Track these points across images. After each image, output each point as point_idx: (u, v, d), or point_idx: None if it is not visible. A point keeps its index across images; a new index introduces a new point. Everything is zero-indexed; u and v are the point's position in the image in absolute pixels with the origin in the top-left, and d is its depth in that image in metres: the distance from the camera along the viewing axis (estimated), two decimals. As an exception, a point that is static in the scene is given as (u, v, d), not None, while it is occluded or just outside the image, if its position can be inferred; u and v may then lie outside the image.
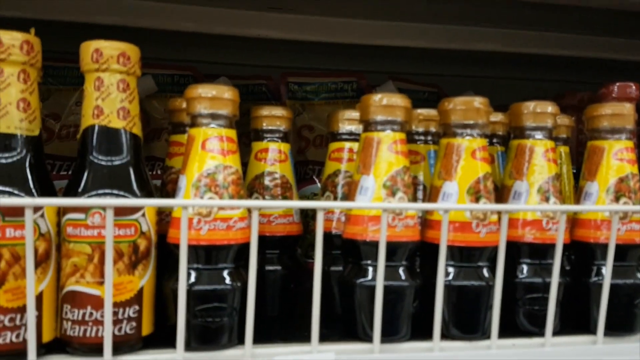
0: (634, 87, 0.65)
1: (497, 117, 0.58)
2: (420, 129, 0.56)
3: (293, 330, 0.52)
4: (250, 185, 0.54)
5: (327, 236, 0.56)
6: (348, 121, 0.56)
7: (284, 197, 0.54)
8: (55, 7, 0.68)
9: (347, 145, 0.56)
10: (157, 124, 0.70)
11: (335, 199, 0.56)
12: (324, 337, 0.47)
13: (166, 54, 0.77)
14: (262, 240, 0.53)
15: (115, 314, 0.42)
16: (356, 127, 0.56)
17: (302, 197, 0.75)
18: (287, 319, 0.55)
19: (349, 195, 0.49)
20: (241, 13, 0.74)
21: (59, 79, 0.71)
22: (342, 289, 0.49)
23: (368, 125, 0.48)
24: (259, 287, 0.54)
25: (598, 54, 0.83)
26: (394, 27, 0.78)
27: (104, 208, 0.40)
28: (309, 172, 0.82)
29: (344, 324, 0.49)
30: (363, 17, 0.77)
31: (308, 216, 0.75)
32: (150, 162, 0.67)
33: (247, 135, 0.58)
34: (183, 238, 0.41)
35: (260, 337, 0.47)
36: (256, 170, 0.54)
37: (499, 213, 0.48)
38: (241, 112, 0.57)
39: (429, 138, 0.57)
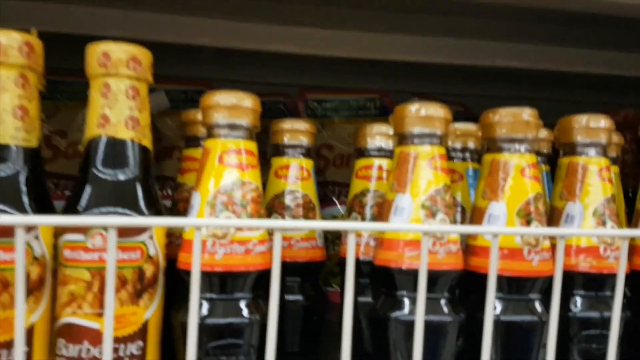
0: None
1: (541, 133, 0.53)
2: (457, 145, 0.51)
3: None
4: (270, 205, 0.49)
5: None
6: (377, 136, 0.51)
7: (306, 218, 0.49)
8: (66, 20, 0.64)
9: (377, 162, 0.51)
10: (169, 141, 0.66)
11: (363, 220, 0.50)
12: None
13: (179, 69, 0.73)
14: (282, 266, 0.48)
15: (116, 350, 0.36)
16: (386, 143, 0.51)
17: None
18: (309, 355, 0.49)
19: (380, 216, 0.44)
20: (258, 27, 0.69)
21: (67, 94, 0.67)
22: (373, 324, 0.43)
23: (403, 138, 0.43)
24: (279, 320, 0.49)
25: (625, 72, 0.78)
26: (418, 42, 0.74)
27: (105, 228, 0.35)
28: (328, 193, 0.77)
29: (376, 363, 0.44)
30: (385, 31, 0.73)
31: (328, 240, 0.70)
32: (161, 182, 0.62)
33: (262, 154, 0.53)
34: (195, 263, 0.35)
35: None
36: (276, 189, 0.49)
37: (551, 238, 0.42)
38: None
39: (467, 155, 0.52)
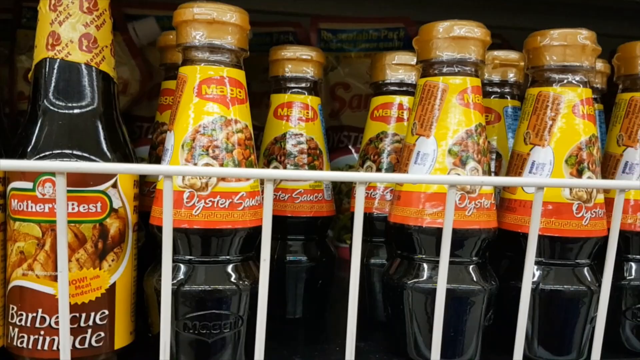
0: None
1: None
2: (495, 78, 0.43)
3: (321, 339, 0.40)
4: (268, 150, 0.42)
5: (367, 219, 0.43)
6: (398, 67, 0.43)
7: (312, 167, 0.42)
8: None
9: (397, 99, 0.43)
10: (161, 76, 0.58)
11: (379, 170, 0.43)
12: (361, 352, 0.35)
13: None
14: (283, 223, 0.41)
15: (75, 320, 0.30)
16: (408, 76, 0.43)
17: (335, 170, 0.63)
18: (313, 323, 0.43)
19: (399, 165, 0.37)
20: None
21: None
22: (388, 291, 0.37)
23: (429, 67, 0.35)
24: (279, 284, 0.42)
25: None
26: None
27: (54, 174, 0.28)
28: (343, 139, 0.69)
29: (389, 337, 0.37)
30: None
31: (342, 193, 0.62)
32: (147, 124, 0.55)
33: (268, 96, 0.45)
34: (167, 218, 0.28)
35: (278, 349, 0.35)
36: (276, 132, 0.41)
37: (606, 192, 0.34)
38: (263, 67, 0.45)
39: (506, 90, 0.43)
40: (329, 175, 0.36)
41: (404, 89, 0.43)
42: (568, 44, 0.34)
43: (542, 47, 0.35)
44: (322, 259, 0.43)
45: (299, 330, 0.41)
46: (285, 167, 0.41)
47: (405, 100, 0.43)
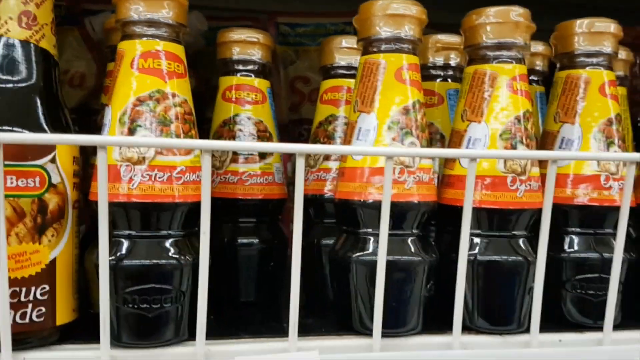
0: None
1: (537, 47, 0.46)
2: (438, 61, 0.44)
3: (273, 320, 0.40)
4: (217, 133, 0.42)
5: (319, 201, 0.44)
6: (346, 51, 0.43)
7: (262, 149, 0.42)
8: None
9: (346, 83, 0.44)
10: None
11: (328, 154, 0.44)
12: (309, 329, 0.36)
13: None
14: (233, 206, 0.42)
15: (15, 295, 0.30)
16: (356, 59, 0.43)
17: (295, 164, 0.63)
18: (265, 305, 0.43)
19: (344, 142, 0.37)
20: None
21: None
22: (334, 267, 0.37)
23: (369, 44, 0.36)
24: (231, 267, 0.43)
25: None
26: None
27: (-12, 147, 0.28)
28: (303, 132, 0.70)
29: (336, 312, 0.38)
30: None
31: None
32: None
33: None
34: (101, 190, 0.29)
35: (228, 330, 0.35)
36: (224, 114, 0.42)
37: (542, 166, 0.35)
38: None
39: (449, 73, 0.44)
40: (268, 146, 0.37)
41: (352, 72, 0.44)
42: (502, 21, 0.35)
43: (477, 25, 0.36)
44: (274, 242, 0.43)
45: (251, 311, 0.42)
46: (235, 151, 0.42)
47: (353, 83, 0.44)
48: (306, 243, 0.35)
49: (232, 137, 0.42)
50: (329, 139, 0.45)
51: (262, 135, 0.42)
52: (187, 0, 0.32)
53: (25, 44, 0.31)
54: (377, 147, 0.34)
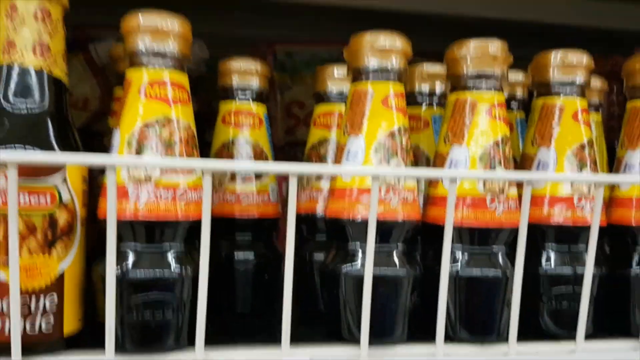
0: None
1: (517, 76, 0.49)
2: (424, 88, 0.47)
3: (267, 330, 0.42)
4: (217, 155, 0.45)
5: (311, 219, 0.46)
6: (338, 79, 0.46)
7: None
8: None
9: (338, 108, 0.47)
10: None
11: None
12: (301, 338, 0.38)
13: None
14: (231, 222, 0.44)
15: (25, 304, 0.33)
16: (347, 86, 0.46)
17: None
18: (261, 316, 0.45)
19: (334, 163, 0.40)
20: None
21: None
22: (324, 278, 0.40)
23: (358, 74, 0.38)
24: (228, 281, 0.45)
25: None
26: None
27: (6, 166, 0.31)
28: (299, 155, 0.73)
29: (327, 322, 0.40)
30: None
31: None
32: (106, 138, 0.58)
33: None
34: (110, 207, 0.31)
35: (225, 339, 0.38)
36: (223, 137, 0.45)
37: (519, 187, 0.38)
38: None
39: (434, 100, 0.47)
40: (264, 167, 0.40)
41: (343, 98, 0.46)
42: (481, 53, 0.38)
43: (459, 57, 0.39)
44: (269, 257, 0.46)
45: (247, 322, 0.44)
46: (233, 172, 0.44)
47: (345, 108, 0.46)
48: (299, 258, 0.38)
49: (231, 159, 0.44)
50: (322, 160, 0.47)
51: (259, 157, 0.45)
52: (191, 34, 0.35)
53: (39, 71, 0.34)
54: (365, 167, 0.36)
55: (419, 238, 0.41)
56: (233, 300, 0.45)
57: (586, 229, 0.40)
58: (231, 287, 0.45)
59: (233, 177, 0.44)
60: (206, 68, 0.64)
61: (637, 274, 0.42)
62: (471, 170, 0.37)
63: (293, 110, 0.73)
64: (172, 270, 0.34)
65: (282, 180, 0.64)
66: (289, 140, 0.73)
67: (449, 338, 0.38)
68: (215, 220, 0.35)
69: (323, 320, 0.40)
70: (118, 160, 0.32)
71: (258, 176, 0.44)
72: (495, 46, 0.38)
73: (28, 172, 0.32)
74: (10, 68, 0.33)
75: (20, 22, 0.33)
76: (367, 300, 0.35)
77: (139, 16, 0.34)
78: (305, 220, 0.46)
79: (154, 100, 0.34)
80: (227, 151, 0.44)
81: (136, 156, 0.33)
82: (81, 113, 0.59)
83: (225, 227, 0.44)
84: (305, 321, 0.42)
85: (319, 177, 0.46)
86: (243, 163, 0.42)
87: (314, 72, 0.71)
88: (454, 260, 0.38)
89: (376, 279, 0.35)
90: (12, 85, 0.33)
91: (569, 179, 0.39)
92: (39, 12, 0.33)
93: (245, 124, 0.45)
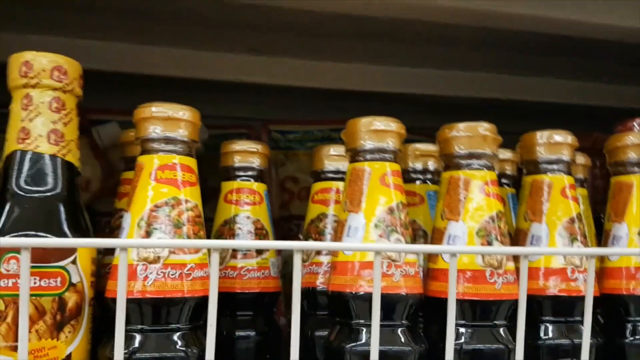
0: (653, 122, 0.58)
1: (506, 154, 0.51)
2: (417, 166, 0.49)
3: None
4: (219, 232, 0.46)
5: (311, 293, 0.47)
6: (335, 157, 0.48)
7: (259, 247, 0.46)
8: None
9: (335, 185, 0.49)
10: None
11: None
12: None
13: (133, 100, 0.70)
14: (232, 298, 0.45)
15: (31, 390, 0.32)
16: (343, 165, 0.48)
17: (286, 257, 0.66)
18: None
19: (334, 239, 0.41)
20: (216, 56, 0.67)
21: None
22: (328, 356, 0.40)
23: (355, 154, 0.40)
24: (228, 357, 0.45)
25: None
26: (391, 73, 0.72)
27: (19, 250, 0.31)
28: (293, 227, 0.74)
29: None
30: (351, 61, 0.71)
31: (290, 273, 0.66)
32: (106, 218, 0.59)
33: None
34: (121, 287, 0.32)
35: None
36: (225, 215, 0.46)
37: (516, 261, 0.39)
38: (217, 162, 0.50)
39: (428, 176, 0.49)
40: (268, 244, 0.41)
41: (340, 175, 0.48)
42: (472, 135, 0.41)
43: (450, 138, 0.41)
44: (269, 333, 0.46)
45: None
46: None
47: (341, 185, 0.48)
48: (300, 334, 0.38)
49: (233, 235, 0.45)
50: (320, 235, 0.48)
51: (259, 232, 0.46)
52: (200, 121, 0.37)
53: (52, 157, 0.35)
54: (367, 243, 0.38)
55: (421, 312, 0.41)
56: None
57: (581, 300, 0.41)
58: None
59: (234, 252, 0.45)
60: (203, 147, 0.66)
61: (631, 342, 0.43)
62: (470, 247, 0.39)
63: (287, 185, 0.75)
64: (178, 350, 0.35)
65: (279, 252, 0.65)
66: (284, 214, 0.74)
67: (455, 414, 0.38)
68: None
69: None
70: (129, 243, 0.32)
71: (259, 252, 0.45)
72: (484, 128, 0.41)
73: (40, 255, 0.33)
74: (24, 154, 0.34)
75: (35, 112, 0.35)
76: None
77: (152, 106, 0.36)
78: (306, 295, 0.47)
79: (164, 183, 0.35)
80: (228, 227, 0.46)
81: (145, 238, 0.34)
82: (84, 194, 0.60)
83: (227, 302, 0.44)
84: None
85: (319, 252, 0.47)
86: (249, 242, 0.43)
87: (307, 149, 0.73)
88: (457, 334, 0.39)
89: (382, 356, 0.35)
90: (26, 170, 0.34)
91: (563, 253, 0.41)
92: (53, 102, 0.35)
93: (246, 201, 0.46)
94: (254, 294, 0.45)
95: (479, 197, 0.40)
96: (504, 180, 0.52)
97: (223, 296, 0.44)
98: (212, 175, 0.49)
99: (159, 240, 0.33)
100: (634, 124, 0.58)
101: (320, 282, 0.47)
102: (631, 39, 0.58)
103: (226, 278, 0.44)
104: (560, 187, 0.43)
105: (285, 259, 0.64)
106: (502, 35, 0.60)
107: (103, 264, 0.43)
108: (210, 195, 0.49)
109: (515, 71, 0.73)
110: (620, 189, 0.45)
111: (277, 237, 0.51)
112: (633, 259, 0.43)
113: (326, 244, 0.40)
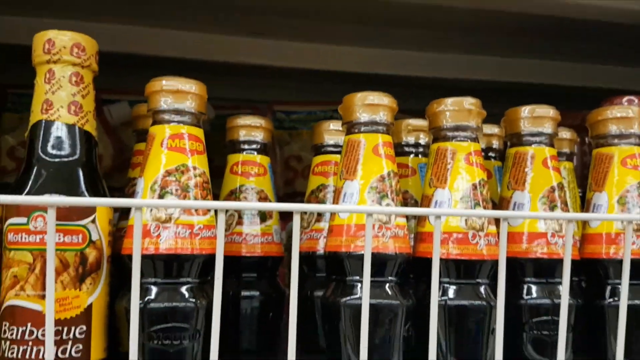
0: (636, 100, 0.61)
1: (493, 129, 0.54)
2: (410, 140, 0.52)
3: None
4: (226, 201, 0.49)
5: (311, 257, 0.51)
6: (334, 132, 0.52)
7: (262, 214, 0.49)
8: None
9: (334, 158, 0.52)
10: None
11: (320, 215, 0.51)
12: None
13: (143, 80, 0.74)
14: (237, 261, 0.48)
15: (58, 333, 0.36)
16: (342, 139, 0.52)
17: (289, 232, 0.70)
18: (266, 351, 0.49)
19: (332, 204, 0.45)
20: (223, 39, 0.71)
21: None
22: (324, 310, 0.43)
23: (351, 127, 0.44)
24: (233, 316, 0.48)
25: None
26: (393, 56, 0.75)
27: (45, 209, 0.35)
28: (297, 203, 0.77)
29: (327, 353, 0.43)
30: (352, 44, 0.74)
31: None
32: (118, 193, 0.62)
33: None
34: (136, 244, 0.35)
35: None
36: (231, 185, 0.49)
37: (497, 221, 0.42)
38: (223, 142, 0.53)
39: (419, 150, 0.52)
40: (269, 205, 0.44)
41: (338, 149, 0.52)
42: (458, 109, 0.44)
43: (438, 112, 0.44)
44: (273, 295, 0.49)
45: (252, 355, 0.47)
46: (240, 216, 0.49)
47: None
48: (300, 295, 0.42)
49: (238, 204, 0.49)
50: (320, 204, 0.52)
51: (263, 201, 0.50)
52: (207, 94, 0.40)
53: (72, 127, 0.39)
54: (359, 205, 0.41)
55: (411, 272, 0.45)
56: (239, 337, 0.48)
57: (560, 262, 0.44)
58: (237, 324, 0.48)
59: (240, 220, 0.48)
60: (210, 127, 0.69)
61: (609, 304, 0.46)
62: (453, 209, 0.42)
63: (291, 163, 0.79)
64: (188, 300, 0.38)
65: (284, 226, 0.68)
66: (288, 191, 0.78)
67: (440, 365, 0.42)
68: (223, 259, 0.39)
69: (323, 351, 0.44)
70: (144, 202, 0.36)
71: (263, 219, 0.48)
72: (469, 102, 0.44)
73: (63, 214, 0.36)
74: (48, 124, 0.38)
75: (57, 85, 0.38)
76: (365, 328, 0.39)
77: (162, 80, 0.39)
78: (306, 259, 0.50)
79: (174, 151, 0.39)
80: (235, 197, 0.49)
81: (158, 199, 0.38)
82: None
83: (232, 265, 0.48)
84: (307, 353, 0.45)
85: (319, 219, 0.50)
86: (252, 203, 0.47)
87: (311, 128, 0.77)
88: (443, 291, 0.42)
89: (372, 308, 0.39)
90: (50, 138, 0.38)
91: (541, 217, 0.44)
92: (73, 76, 0.39)
93: (251, 173, 0.50)
94: (258, 257, 0.48)
95: (463, 166, 0.43)
96: (491, 154, 0.55)
97: (229, 259, 0.48)
98: (218, 155, 0.52)
99: (171, 201, 0.37)
100: (622, 101, 0.61)
101: (320, 247, 0.50)
102: (631, 20, 0.60)
103: (232, 243, 0.48)
104: (541, 158, 0.46)
105: (289, 234, 0.68)
106: (501, 18, 0.62)
107: (119, 228, 0.47)
108: (216, 174, 0.52)
109: (512, 53, 0.75)
110: (601, 160, 0.48)
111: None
112: (613, 224, 0.46)
113: (323, 206, 0.44)
